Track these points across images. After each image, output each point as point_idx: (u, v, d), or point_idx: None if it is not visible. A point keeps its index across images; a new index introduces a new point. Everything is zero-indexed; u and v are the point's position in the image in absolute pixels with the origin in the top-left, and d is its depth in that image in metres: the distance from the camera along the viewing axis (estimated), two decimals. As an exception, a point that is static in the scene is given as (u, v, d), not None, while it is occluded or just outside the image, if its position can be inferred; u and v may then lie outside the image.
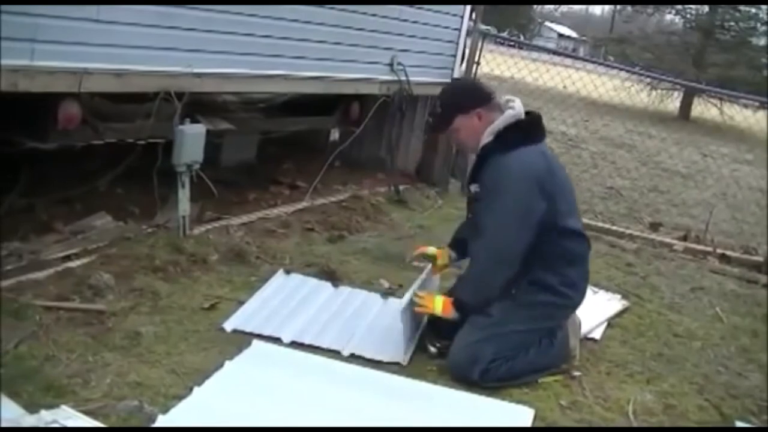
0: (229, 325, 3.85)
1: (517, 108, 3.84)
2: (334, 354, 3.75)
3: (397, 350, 3.83)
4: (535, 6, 66.58)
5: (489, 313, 3.77)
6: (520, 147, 3.73)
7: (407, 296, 3.90)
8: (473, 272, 3.92)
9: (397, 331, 3.85)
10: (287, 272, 4.60)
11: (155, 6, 4.44)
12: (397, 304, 4.01)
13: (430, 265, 4.30)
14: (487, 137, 3.80)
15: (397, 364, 3.76)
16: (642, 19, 31.82)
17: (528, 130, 3.84)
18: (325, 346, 3.80)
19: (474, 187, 3.88)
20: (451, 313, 3.81)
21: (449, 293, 3.98)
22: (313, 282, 4.56)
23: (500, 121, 3.79)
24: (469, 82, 3.95)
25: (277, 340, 3.78)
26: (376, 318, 4.17)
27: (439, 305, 3.82)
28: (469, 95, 3.92)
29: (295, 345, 3.78)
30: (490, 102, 3.87)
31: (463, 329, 3.79)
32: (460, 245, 4.25)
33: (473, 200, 3.95)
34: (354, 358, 3.73)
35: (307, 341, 3.82)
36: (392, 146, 7.40)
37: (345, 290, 4.53)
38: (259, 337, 3.78)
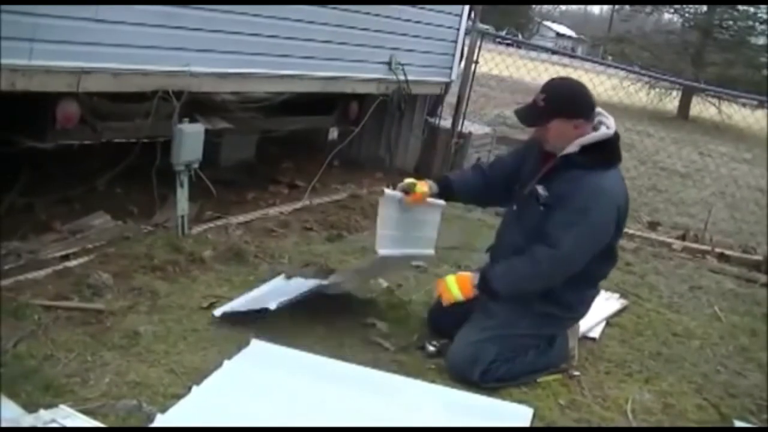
0: (218, 311, 3.86)
1: (611, 127, 3.72)
2: (328, 353, 3.75)
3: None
4: (533, 5, 66.69)
5: (494, 314, 3.76)
6: (604, 168, 3.66)
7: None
8: (524, 269, 3.72)
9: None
10: (288, 277, 4.58)
11: (153, 6, 4.44)
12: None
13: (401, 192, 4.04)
14: (573, 147, 3.66)
15: (396, 362, 3.76)
16: (640, 18, 31.81)
17: (612, 152, 3.74)
18: (307, 287, 3.90)
19: (541, 189, 3.72)
20: (471, 292, 3.75)
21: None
22: (311, 283, 4.55)
23: (592, 137, 3.66)
24: (579, 87, 3.74)
25: (264, 311, 3.78)
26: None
27: (456, 289, 3.76)
28: (577, 103, 3.70)
29: (287, 341, 3.74)
30: (590, 115, 3.72)
31: (465, 328, 3.78)
32: (446, 183, 4.12)
33: (536, 201, 3.75)
34: (347, 358, 3.73)
35: (290, 297, 3.88)
36: (391, 145, 7.41)
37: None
38: (247, 314, 3.81)
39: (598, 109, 3.76)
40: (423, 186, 4.02)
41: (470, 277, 3.78)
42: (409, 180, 4.08)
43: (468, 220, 6.53)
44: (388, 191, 4.01)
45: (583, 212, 3.59)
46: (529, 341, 3.83)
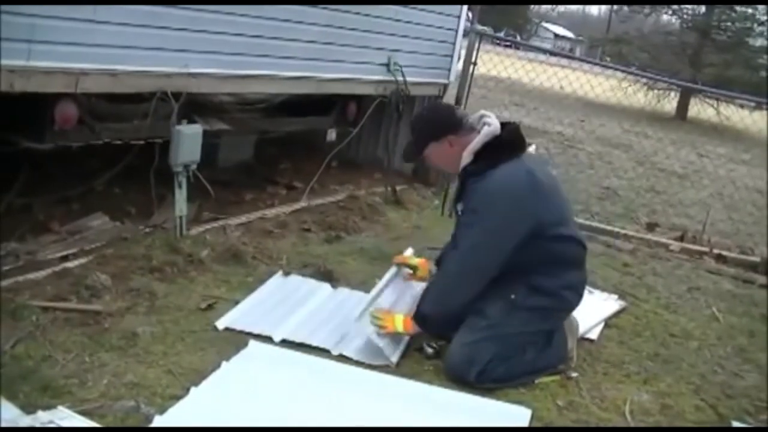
0: (221, 324, 3.85)
1: (493, 124, 3.84)
2: (326, 354, 3.75)
3: (384, 354, 3.81)
4: (531, 6, 66.75)
5: (486, 315, 3.77)
6: (501, 164, 3.75)
7: (366, 301, 3.97)
8: (438, 284, 3.93)
9: (379, 337, 3.83)
10: (286, 274, 4.60)
11: (151, 6, 4.44)
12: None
13: (394, 268, 4.35)
14: (467, 158, 3.83)
15: (396, 364, 3.76)
16: (639, 19, 31.82)
17: (506, 145, 3.83)
18: (314, 344, 3.79)
19: (459, 206, 3.94)
20: (412, 329, 3.85)
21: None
22: (310, 283, 4.56)
23: (477, 142, 3.81)
24: (439, 108, 4.02)
25: (268, 339, 3.78)
26: (387, 289, 4.20)
27: (400, 324, 3.84)
28: (438, 123, 3.93)
29: (286, 343, 3.77)
30: (461, 127, 3.89)
31: (460, 330, 3.79)
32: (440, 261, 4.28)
33: (458, 219, 3.99)
34: (346, 359, 3.73)
35: (298, 340, 3.82)
36: (389, 146, 7.41)
37: (343, 291, 4.53)
38: (251, 335, 3.78)
39: (482, 112, 3.94)
40: (424, 268, 4.33)
41: (410, 316, 3.89)
42: (413, 260, 4.39)
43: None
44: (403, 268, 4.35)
45: (475, 212, 3.77)
46: (524, 338, 3.83)
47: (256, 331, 3.82)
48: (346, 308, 4.27)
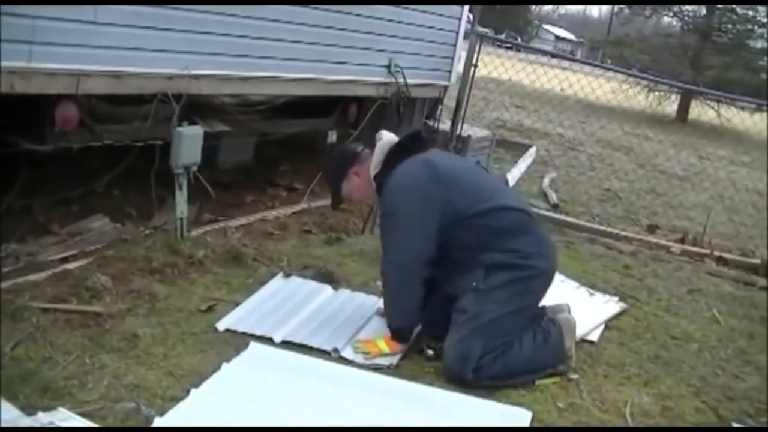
0: (221, 325, 3.85)
1: (384, 137, 4.03)
2: (326, 355, 3.75)
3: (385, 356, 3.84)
4: (532, 8, 66.80)
5: (464, 309, 3.77)
6: (396, 166, 3.86)
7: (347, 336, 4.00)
8: (387, 296, 3.97)
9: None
10: (286, 275, 4.60)
11: (153, 8, 4.44)
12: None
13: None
14: (373, 171, 3.97)
15: (396, 365, 3.76)
16: (639, 21, 31.84)
17: (404, 148, 3.95)
18: (315, 346, 3.79)
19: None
20: (399, 347, 3.87)
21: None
22: (311, 285, 4.55)
23: (377, 155, 3.97)
24: (336, 153, 4.26)
25: (269, 340, 3.78)
26: (371, 321, 4.17)
27: (384, 346, 3.86)
28: (337, 163, 4.16)
29: (286, 345, 3.77)
30: (358, 156, 4.07)
31: (450, 330, 3.79)
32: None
33: None
34: (346, 361, 3.73)
35: (298, 341, 3.82)
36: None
37: (344, 292, 4.53)
38: (252, 336, 3.78)
39: (377, 135, 4.10)
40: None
41: (389, 335, 3.92)
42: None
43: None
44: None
45: (386, 215, 3.91)
46: (509, 320, 3.78)
47: (257, 333, 3.82)
48: (347, 310, 4.28)
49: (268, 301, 4.24)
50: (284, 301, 4.26)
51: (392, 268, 3.87)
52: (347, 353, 3.79)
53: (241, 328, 3.84)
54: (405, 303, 3.87)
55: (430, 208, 3.76)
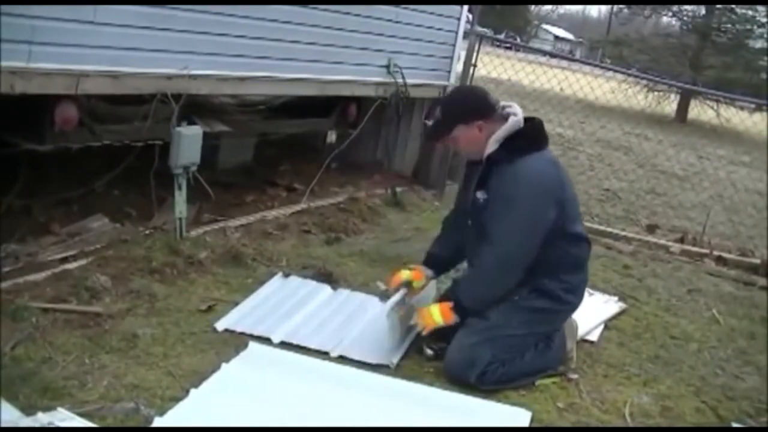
0: (220, 325, 3.84)
1: (518, 114, 3.80)
2: (325, 356, 3.75)
3: (385, 353, 3.83)
4: (532, 8, 66.81)
5: (486, 317, 3.77)
6: (526, 155, 3.72)
7: (388, 305, 3.93)
8: (477, 277, 3.87)
9: (384, 333, 3.88)
10: (285, 275, 4.60)
11: (152, 8, 4.44)
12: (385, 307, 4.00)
13: (403, 290, 4.11)
14: (492, 146, 3.76)
15: (396, 365, 3.76)
16: (639, 21, 31.89)
17: (532, 137, 3.81)
18: (313, 347, 3.79)
19: (480, 194, 3.81)
20: (452, 319, 3.80)
21: (443, 298, 4.00)
22: (310, 285, 4.55)
23: (504, 130, 3.75)
24: (472, 91, 3.89)
25: (267, 341, 3.78)
26: (370, 320, 4.15)
27: (438, 316, 3.80)
28: (471, 106, 3.84)
29: (284, 345, 3.78)
30: (493, 113, 3.82)
31: (460, 332, 3.78)
32: (436, 261, 4.23)
33: (480, 208, 3.84)
34: (345, 361, 3.73)
35: (295, 341, 3.81)
36: (389, 148, 7.41)
37: (343, 292, 4.53)
38: (250, 337, 3.78)
39: (503, 103, 3.89)
40: (419, 278, 4.14)
41: (449, 304, 3.84)
42: (404, 276, 4.13)
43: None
44: (388, 304, 3.98)
45: (508, 201, 3.68)
46: (524, 340, 3.82)
47: (255, 333, 3.81)
48: (347, 310, 4.28)
49: (267, 301, 4.24)
50: (283, 301, 4.26)
51: (492, 257, 3.75)
52: (348, 351, 3.79)
53: (239, 329, 3.84)
54: (491, 294, 3.79)
55: (550, 215, 3.72)
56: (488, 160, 3.78)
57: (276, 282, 4.50)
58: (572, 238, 3.86)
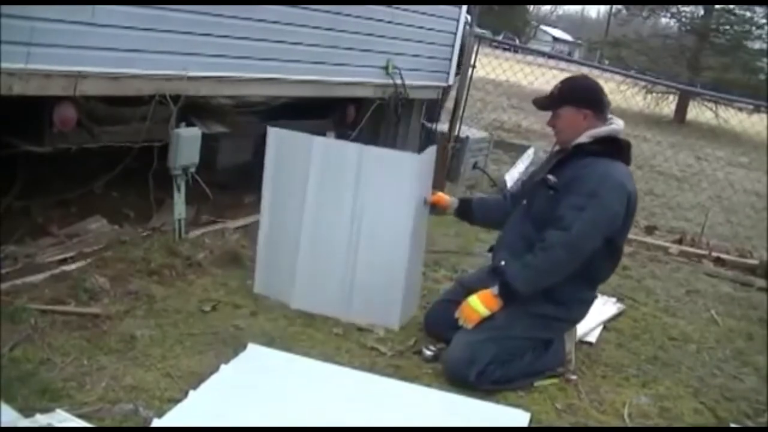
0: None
1: (620, 126, 3.88)
2: (325, 357, 3.74)
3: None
4: (530, 9, 66.80)
5: (492, 317, 3.75)
6: (616, 161, 3.78)
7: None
8: (542, 260, 3.71)
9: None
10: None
11: (150, 9, 4.44)
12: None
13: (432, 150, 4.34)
14: (584, 138, 3.80)
15: (393, 366, 3.77)
16: (637, 22, 31.89)
17: (624, 149, 3.88)
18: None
19: (552, 178, 3.81)
20: (497, 305, 3.73)
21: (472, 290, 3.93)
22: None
23: (603, 130, 3.81)
24: (595, 84, 3.96)
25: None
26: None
27: (481, 306, 3.74)
28: (588, 94, 3.91)
29: (284, 346, 3.77)
30: (602, 111, 3.87)
31: (462, 330, 3.77)
32: (467, 202, 4.37)
33: (545, 189, 3.82)
34: (347, 360, 3.74)
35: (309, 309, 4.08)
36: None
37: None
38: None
39: (609, 115, 3.92)
40: (445, 196, 4.32)
41: (490, 291, 3.77)
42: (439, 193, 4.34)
43: (464, 224, 6.51)
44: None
45: (593, 195, 3.67)
46: (526, 344, 3.83)
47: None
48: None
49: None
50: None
51: (565, 245, 3.67)
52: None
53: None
54: (549, 279, 3.76)
55: (619, 219, 3.75)
56: (576, 148, 3.82)
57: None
58: (613, 252, 3.89)
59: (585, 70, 10.96)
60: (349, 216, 4.14)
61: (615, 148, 3.82)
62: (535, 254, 3.71)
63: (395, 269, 4.14)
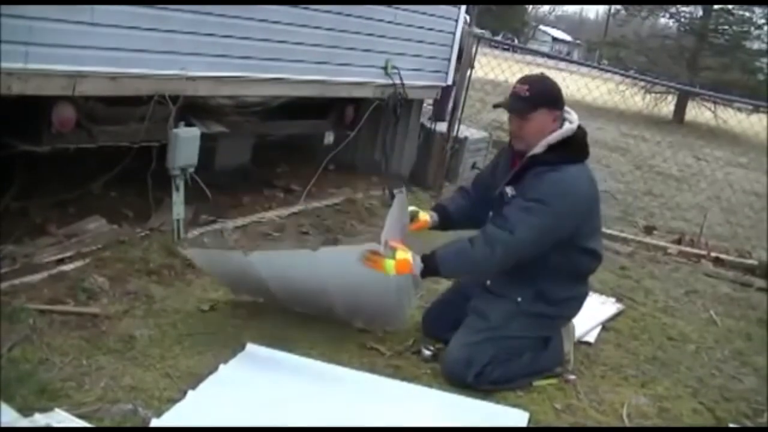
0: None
1: (574, 123, 3.80)
2: (324, 356, 3.74)
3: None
4: (529, 9, 66.83)
5: (488, 318, 3.77)
6: (569, 165, 3.70)
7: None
8: (478, 253, 3.66)
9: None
10: None
11: (149, 9, 4.43)
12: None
13: (401, 197, 4.01)
14: (539, 148, 3.71)
15: (391, 367, 3.77)
16: (636, 22, 31.86)
17: (578, 148, 3.80)
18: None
19: (510, 190, 3.77)
20: (410, 271, 3.68)
21: (467, 295, 3.96)
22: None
23: (557, 135, 3.72)
24: (555, 82, 3.88)
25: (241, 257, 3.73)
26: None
27: (391, 269, 3.64)
28: (556, 95, 3.82)
29: (282, 346, 3.75)
30: (564, 114, 3.82)
31: (459, 332, 3.79)
32: (443, 212, 4.17)
33: (506, 203, 3.77)
34: (346, 360, 3.73)
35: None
36: (387, 150, 7.41)
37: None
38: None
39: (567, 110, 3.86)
40: (425, 215, 4.09)
41: (410, 260, 3.67)
42: (412, 208, 4.11)
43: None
44: (400, 194, 3.98)
45: (541, 202, 3.61)
46: (523, 343, 3.84)
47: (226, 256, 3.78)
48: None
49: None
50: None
51: (508, 246, 3.62)
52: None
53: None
54: (476, 272, 3.81)
55: (571, 224, 3.71)
56: (530, 159, 3.74)
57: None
58: (584, 250, 3.85)
59: (584, 71, 10.99)
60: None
61: (569, 152, 3.73)
62: (474, 245, 3.66)
63: (385, 301, 4.04)
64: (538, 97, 3.74)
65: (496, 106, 3.93)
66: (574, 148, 3.77)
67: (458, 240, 3.78)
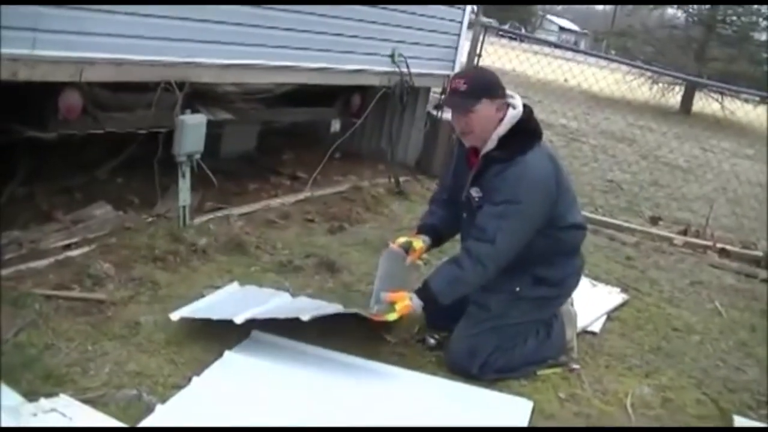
0: (175, 315, 3.65)
1: (518, 106, 3.72)
2: (328, 343, 3.74)
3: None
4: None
5: (489, 308, 3.76)
6: (526, 151, 3.63)
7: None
8: (470, 275, 3.66)
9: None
10: (242, 284, 4.33)
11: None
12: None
13: (390, 254, 4.02)
14: (491, 144, 3.67)
15: (396, 354, 3.78)
16: (644, 12, 31.73)
17: (531, 131, 3.74)
18: (282, 316, 3.62)
19: (476, 192, 3.73)
20: (408, 312, 3.68)
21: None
22: (268, 291, 4.28)
23: (504, 126, 3.66)
24: (491, 71, 3.81)
25: (229, 322, 3.59)
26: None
27: (394, 317, 3.66)
28: (495, 84, 3.70)
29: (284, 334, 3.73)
30: (508, 102, 3.73)
31: (461, 323, 3.79)
32: (430, 229, 4.09)
33: (476, 207, 3.74)
34: (351, 348, 3.73)
35: (259, 316, 3.65)
36: (393, 138, 7.40)
37: (303, 299, 4.27)
38: (209, 321, 3.61)
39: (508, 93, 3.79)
40: (419, 242, 4.00)
41: (409, 306, 3.66)
42: (403, 239, 4.04)
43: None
44: (392, 247, 3.97)
45: (510, 202, 3.58)
46: (525, 328, 3.84)
47: (214, 318, 3.63)
48: (309, 307, 3.99)
49: (225, 300, 4.05)
50: (242, 299, 4.05)
51: (492, 260, 3.61)
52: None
53: (197, 315, 3.70)
54: (470, 290, 3.74)
55: (546, 209, 3.67)
56: (485, 158, 3.70)
57: (231, 288, 4.25)
58: (566, 227, 3.82)
59: (591, 61, 10.96)
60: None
61: (522, 138, 3.67)
62: (463, 268, 3.64)
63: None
64: (477, 88, 3.66)
65: (437, 107, 3.89)
66: (524, 135, 3.70)
67: (443, 266, 3.78)
